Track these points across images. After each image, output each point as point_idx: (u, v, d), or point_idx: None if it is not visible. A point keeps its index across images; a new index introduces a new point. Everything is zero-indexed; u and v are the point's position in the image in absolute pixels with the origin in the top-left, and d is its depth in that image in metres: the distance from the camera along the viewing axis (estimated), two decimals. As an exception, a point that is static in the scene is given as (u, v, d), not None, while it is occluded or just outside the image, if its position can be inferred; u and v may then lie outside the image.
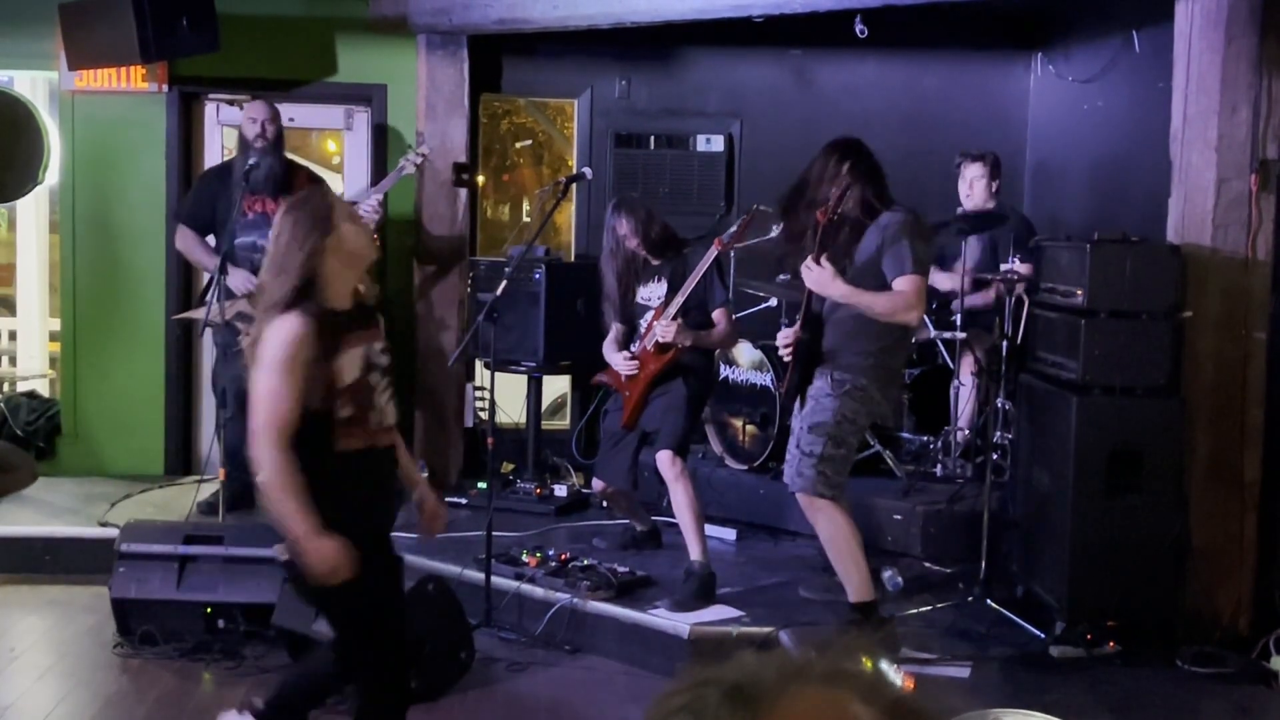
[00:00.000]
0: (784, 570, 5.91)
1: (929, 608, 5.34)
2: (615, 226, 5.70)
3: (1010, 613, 5.21)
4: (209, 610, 5.35)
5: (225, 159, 7.33)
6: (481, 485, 6.40)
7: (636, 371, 5.60)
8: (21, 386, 8.73)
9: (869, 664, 1.06)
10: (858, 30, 6.54)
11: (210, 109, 7.79)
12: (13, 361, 9.61)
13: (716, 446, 6.84)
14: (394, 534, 3.78)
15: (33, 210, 9.17)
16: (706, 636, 5.03)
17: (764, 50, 7.64)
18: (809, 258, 4.75)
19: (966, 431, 6.42)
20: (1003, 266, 6.11)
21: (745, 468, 6.66)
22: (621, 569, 5.56)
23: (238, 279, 6.45)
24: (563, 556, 5.70)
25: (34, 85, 8.24)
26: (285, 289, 3.43)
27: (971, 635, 5.05)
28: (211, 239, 6.72)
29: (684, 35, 7.40)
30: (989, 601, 5.29)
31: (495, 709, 4.82)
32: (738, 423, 6.74)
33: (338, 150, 8.57)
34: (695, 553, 5.39)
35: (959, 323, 6.19)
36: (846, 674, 1.03)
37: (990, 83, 7.84)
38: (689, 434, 5.64)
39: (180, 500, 6.73)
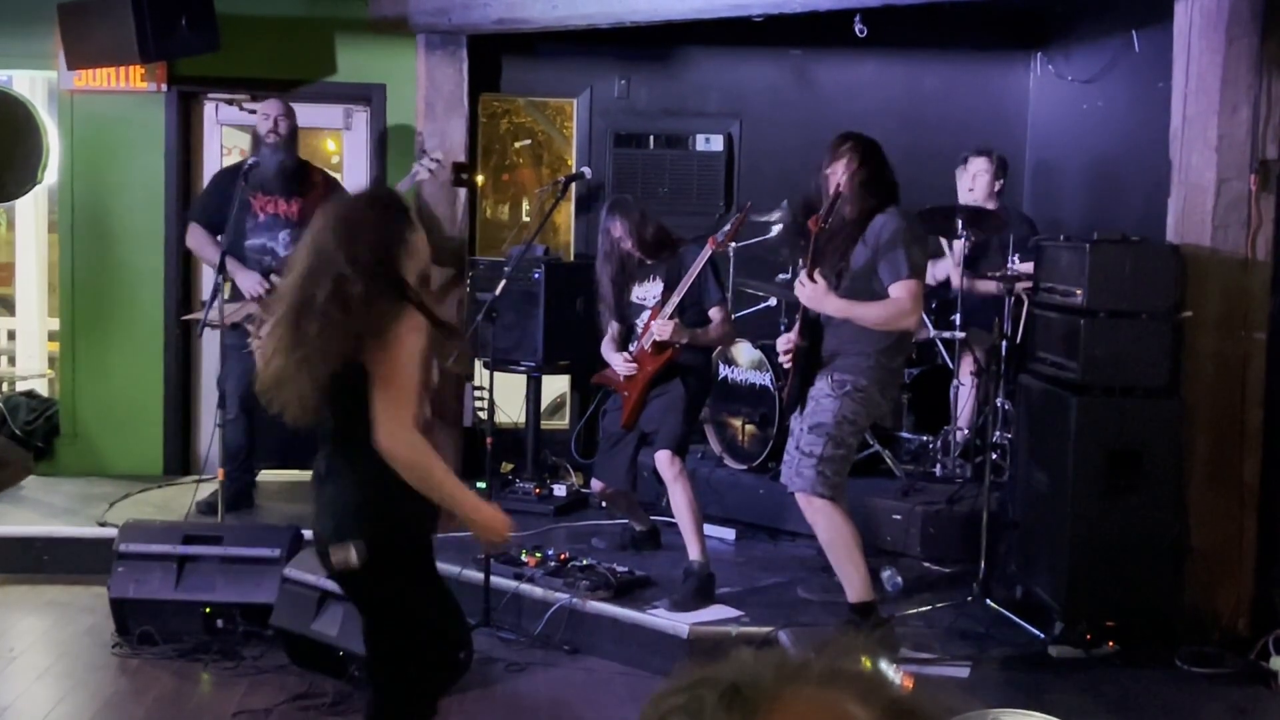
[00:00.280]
0: (783, 570, 5.91)
1: (928, 608, 5.34)
2: (610, 229, 5.70)
3: (1009, 613, 5.20)
4: (207, 610, 5.35)
5: (240, 159, 7.28)
6: (481, 485, 6.38)
7: (634, 372, 5.60)
8: (20, 386, 8.73)
9: (868, 664, 1.06)
10: (857, 30, 6.54)
11: (209, 109, 7.78)
12: (11, 361, 9.61)
13: (716, 446, 6.84)
14: None
15: (32, 210, 9.17)
16: (705, 636, 5.03)
17: (763, 50, 7.64)
18: (802, 273, 4.75)
19: (966, 431, 6.41)
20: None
21: (744, 468, 6.66)
22: (620, 569, 5.56)
23: (248, 281, 6.43)
24: (562, 556, 5.70)
25: (33, 85, 8.24)
26: (392, 278, 3.26)
27: (970, 635, 5.05)
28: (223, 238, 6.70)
29: (683, 35, 7.40)
30: (988, 602, 5.29)
31: (494, 709, 4.82)
32: (737, 422, 6.74)
33: (337, 150, 8.57)
34: (694, 553, 5.38)
35: (958, 322, 6.18)
36: (845, 674, 1.03)
37: (990, 83, 7.84)
38: (688, 434, 5.64)
39: (179, 500, 6.74)
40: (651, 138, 7.69)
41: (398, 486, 3.23)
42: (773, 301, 6.94)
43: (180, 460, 7.65)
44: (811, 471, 4.78)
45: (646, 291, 5.68)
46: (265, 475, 7.11)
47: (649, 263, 5.69)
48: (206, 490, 6.55)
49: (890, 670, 1.12)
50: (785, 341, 4.97)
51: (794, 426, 4.94)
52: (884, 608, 5.08)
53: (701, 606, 5.25)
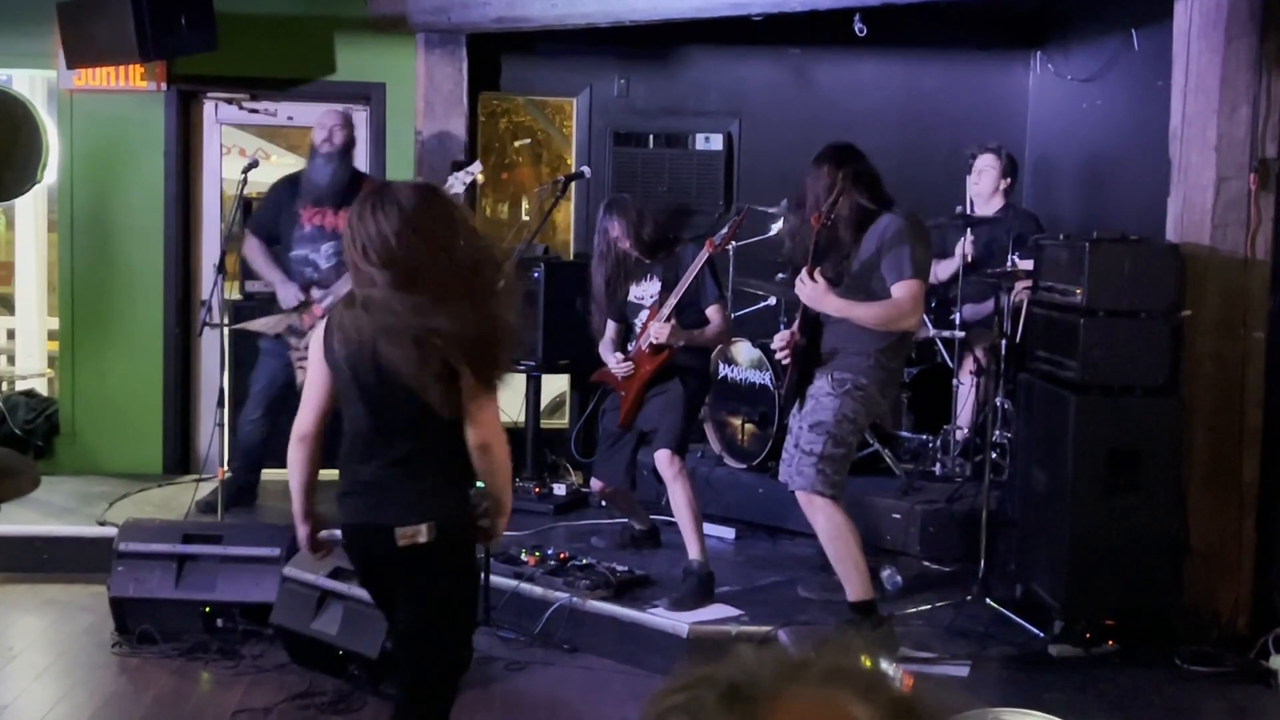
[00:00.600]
0: (783, 569, 5.91)
1: (928, 607, 5.34)
2: (608, 229, 5.69)
3: (1009, 612, 5.20)
4: (207, 609, 5.35)
5: (293, 170, 7.11)
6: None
7: (631, 372, 5.60)
8: (20, 385, 8.73)
9: (868, 663, 1.06)
10: (857, 29, 6.54)
11: (209, 108, 7.78)
12: (11, 360, 9.61)
13: (715, 445, 6.84)
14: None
15: (31, 209, 9.17)
16: (705, 636, 5.03)
17: (763, 49, 7.64)
18: (802, 271, 4.75)
19: (965, 430, 6.42)
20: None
21: (744, 467, 6.66)
22: (620, 568, 5.56)
23: (287, 293, 6.39)
24: (561, 555, 5.70)
25: (32, 84, 8.24)
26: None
27: (970, 634, 5.05)
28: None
29: (683, 34, 7.39)
30: (988, 601, 5.29)
31: (494, 708, 4.82)
32: (736, 421, 6.74)
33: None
34: (694, 552, 5.38)
35: (958, 322, 6.18)
36: (845, 673, 1.03)
37: (989, 81, 7.84)
38: (687, 433, 5.63)
39: (179, 499, 6.74)
40: (651, 137, 7.69)
41: (464, 476, 3.48)
42: (772, 300, 6.94)
43: (180, 459, 7.66)
44: (812, 470, 4.78)
45: (644, 291, 5.68)
46: (266, 475, 7.10)
47: (647, 262, 5.69)
48: (206, 489, 6.55)
49: (890, 669, 1.12)
50: (781, 339, 4.97)
51: (793, 425, 4.94)
52: (884, 607, 5.07)
53: (701, 606, 5.25)
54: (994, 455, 5.65)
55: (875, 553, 5.59)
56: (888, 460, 6.47)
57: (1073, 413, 4.87)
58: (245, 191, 6.45)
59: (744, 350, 6.70)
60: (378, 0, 7.23)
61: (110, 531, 5.78)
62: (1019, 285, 5.87)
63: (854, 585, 4.86)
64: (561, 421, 8.11)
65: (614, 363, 5.65)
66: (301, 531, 3.66)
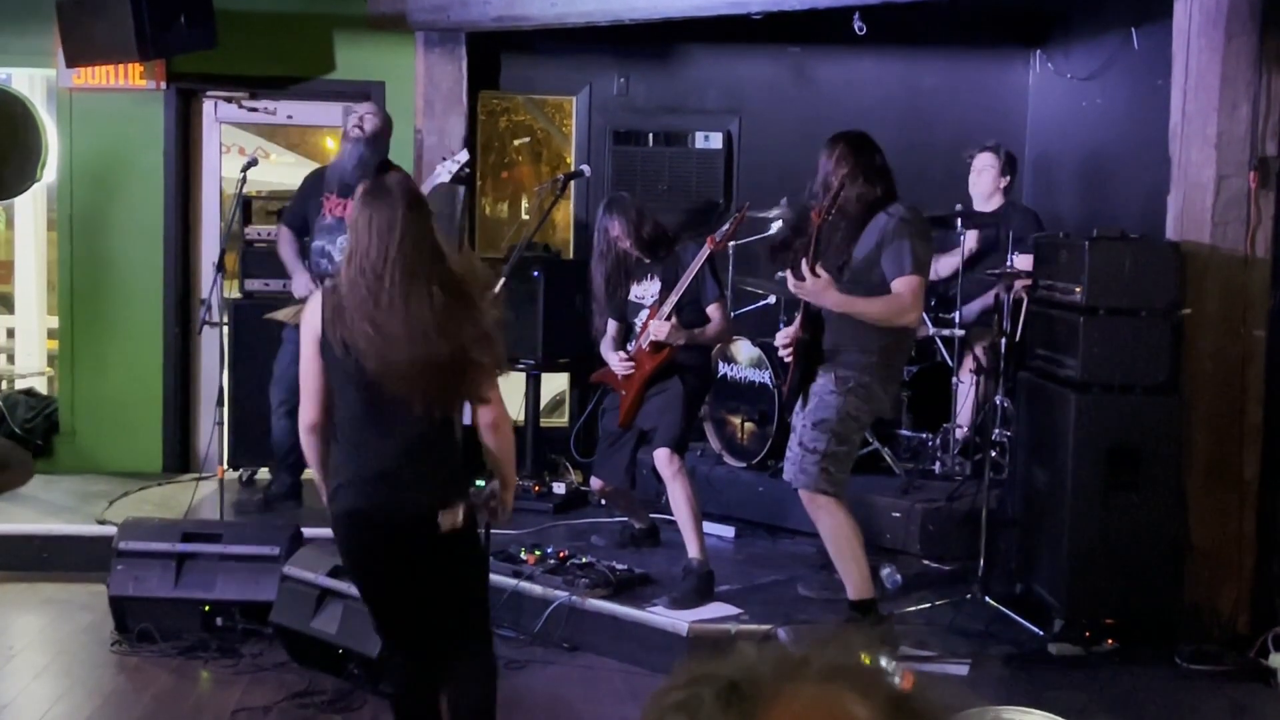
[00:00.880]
0: (782, 568, 5.91)
1: (928, 605, 5.34)
2: (608, 228, 5.69)
3: (1009, 610, 5.20)
4: (207, 608, 5.35)
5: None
6: (480, 483, 6.38)
7: (632, 371, 5.59)
8: (19, 384, 8.74)
9: (867, 661, 1.06)
10: (856, 27, 6.53)
11: (208, 106, 7.78)
12: (10, 359, 9.61)
13: (715, 444, 6.84)
14: None
15: (31, 208, 9.17)
16: (705, 634, 5.03)
17: (762, 47, 7.63)
18: (802, 266, 4.73)
19: (965, 429, 6.41)
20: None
21: (744, 465, 6.66)
22: (620, 567, 5.55)
23: (298, 283, 6.38)
24: (561, 554, 5.70)
25: (32, 82, 8.23)
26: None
27: (970, 633, 5.05)
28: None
29: (682, 32, 7.39)
30: (988, 599, 5.29)
31: (493, 707, 4.81)
32: (736, 420, 6.74)
33: (336, 148, 8.56)
34: (693, 550, 5.38)
35: (958, 320, 6.18)
36: (844, 671, 1.02)
37: (989, 80, 7.83)
38: (687, 432, 5.63)
39: (178, 498, 6.74)
40: (650, 135, 7.69)
41: (467, 458, 3.74)
42: (772, 299, 6.94)
43: (179, 458, 7.65)
44: (815, 468, 4.78)
45: (645, 290, 5.68)
46: (264, 473, 7.10)
47: (647, 261, 5.68)
48: (206, 488, 6.56)
49: (890, 667, 1.11)
50: (784, 336, 4.96)
51: (796, 423, 4.94)
52: (884, 605, 5.08)
53: (701, 604, 5.25)
54: (994, 454, 5.65)
55: (875, 551, 5.58)
56: (888, 459, 6.47)
57: (1073, 411, 4.87)
58: (244, 190, 6.46)
59: (744, 349, 6.69)
60: (377, -2, 7.23)
61: (110, 530, 5.77)
62: (1018, 283, 5.87)
63: (854, 583, 4.86)
64: (561, 420, 8.11)
65: (615, 362, 5.64)
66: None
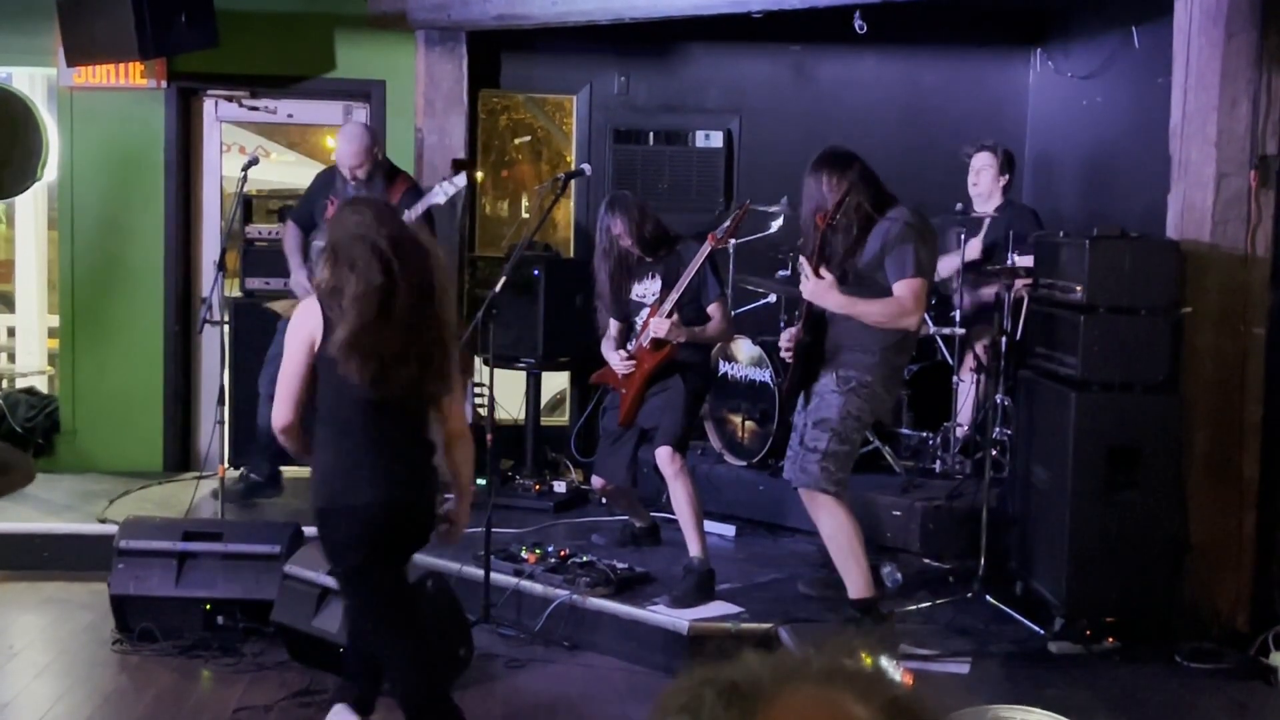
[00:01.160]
0: (783, 566, 5.91)
1: (928, 604, 5.34)
2: (609, 226, 5.69)
3: (1009, 609, 5.21)
4: (208, 607, 5.35)
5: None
6: (480, 482, 6.38)
7: (633, 369, 5.59)
8: (20, 383, 8.74)
9: (868, 661, 1.06)
10: (857, 26, 6.53)
11: (209, 105, 7.78)
12: (11, 358, 9.61)
13: (716, 443, 6.84)
14: None
15: (31, 207, 9.17)
16: (705, 633, 5.03)
17: (763, 46, 7.63)
18: (806, 267, 4.75)
19: (966, 428, 6.42)
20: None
21: (744, 464, 6.66)
22: (620, 565, 5.56)
23: (297, 280, 6.43)
24: (562, 553, 5.70)
25: (32, 81, 8.24)
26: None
27: (970, 631, 5.05)
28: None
29: (683, 31, 7.39)
30: (988, 598, 5.29)
31: (494, 705, 4.82)
32: (737, 419, 6.74)
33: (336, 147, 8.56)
34: (694, 549, 5.38)
35: (959, 319, 6.18)
36: (844, 671, 1.03)
37: (989, 78, 7.83)
38: (688, 430, 5.63)
39: (179, 497, 6.74)
40: (651, 134, 7.69)
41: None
42: (772, 298, 6.94)
43: (180, 457, 7.66)
44: (816, 467, 4.79)
45: (646, 289, 5.68)
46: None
47: (648, 260, 5.68)
48: (207, 487, 6.56)
49: (890, 667, 1.12)
50: (788, 338, 4.97)
51: (798, 422, 4.94)
52: (884, 604, 5.08)
53: (701, 603, 5.25)
54: (994, 452, 5.65)
55: (876, 550, 5.59)
56: (888, 457, 6.47)
57: (1073, 409, 4.87)
58: (245, 189, 6.46)
59: (744, 347, 6.70)
60: (377, -3, 7.23)
61: (111, 529, 5.78)
62: (1019, 282, 5.87)
63: (855, 582, 4.87)
64: (562, 419, 8.11)
65: (617, 360, 5.64)
66: None
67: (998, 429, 5.90)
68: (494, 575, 5.43)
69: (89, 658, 5.26)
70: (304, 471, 6.56)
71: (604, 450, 5.88)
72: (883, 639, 4.72)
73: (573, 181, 6.67)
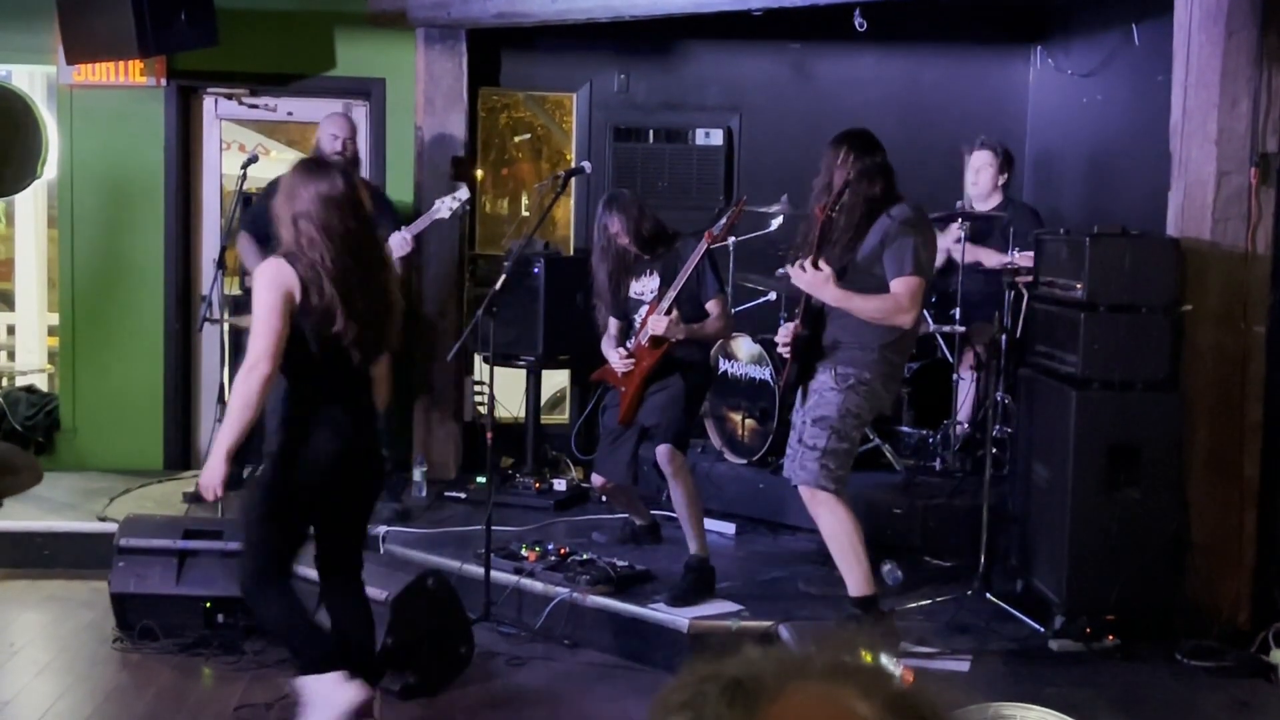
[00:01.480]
0: (783, 564, 5.91)
1: (928, 602, 5.34)
2: (607, 224, 5.68)
3: (1009, 607, 5.21)
4: (208, 605, 5.35)
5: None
6: (480, 480, 6.40)
7: (632, 367, 5.59)
8: (20, 381, 8.73)
9: (869, 658, 1.06)
10: (857, 24, 6.53)
11: (209, 103, 7.78)
12: (11, 356, 9.61)
13: (716, 441, 6.84)
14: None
15: (31, 205, 9.17)
16: (706, 631, 5.03)
17: (763, 44, 7.63)
18: (803, 259, 4.74)
19: (966, 426, 6.41)
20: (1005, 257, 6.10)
21: (745, 462, 6.66)
22: (621, 563, 5.56)
23: None
24: (562, 551, 5.70)
25: (32, 79, 8.24)
26: None
27: (971, 629, 5.05)
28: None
29: (683, 29, 7.39)
30: (988, 595, 5.29)
31: (494, 703, 4.82)
32: (737, 417, 6.74)
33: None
34: (694, 547, 5.38)
35: (958, 316, 6.18)
36: (846, 669, 1.03)
37: (990, 76, 7.83)
38: (688, 428, 5.63)
39: (179, 495, 6.73)
40: (651, 132, 7.69)
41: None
42: (772, 296, 6.94)
43: (180, 455, 7.66)
44: (815, 465, 4.78)
45: (644, 286, 5.68)
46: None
47: (646, 258, 5.68)
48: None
49: (891, 664, 1.12)
50: (785, 334, 4.96)
51: (796, 420, 4.94)
52: (884, 602, 5.08)
53: (702, 601, 5.25)
54: (994, 450, 5.65)
55: (876, 548, 5.57)
56: (888, 455, 6.47)
57: (1073, 407, 4.87)
58: (245, 187, 6.46)
59: (744, 345, 6.69)
60: (377, -5, 7.23)
61: (111, 527, 5.78)
62: (1019, 280, 5.87)
63: (855, 580, 4.87)
64: (562, 417, 8.11)
65: (616, 359, 5.64)
66: (226, 471, 4.08)
67: (998, 427, 5.90)
68: (494, 573, 5.43)
69: (89, 656, 5.26)
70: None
71: (604, 448, 5.88)
72: (883, 637, 4.72)
73: (573, 179, 6.67)
